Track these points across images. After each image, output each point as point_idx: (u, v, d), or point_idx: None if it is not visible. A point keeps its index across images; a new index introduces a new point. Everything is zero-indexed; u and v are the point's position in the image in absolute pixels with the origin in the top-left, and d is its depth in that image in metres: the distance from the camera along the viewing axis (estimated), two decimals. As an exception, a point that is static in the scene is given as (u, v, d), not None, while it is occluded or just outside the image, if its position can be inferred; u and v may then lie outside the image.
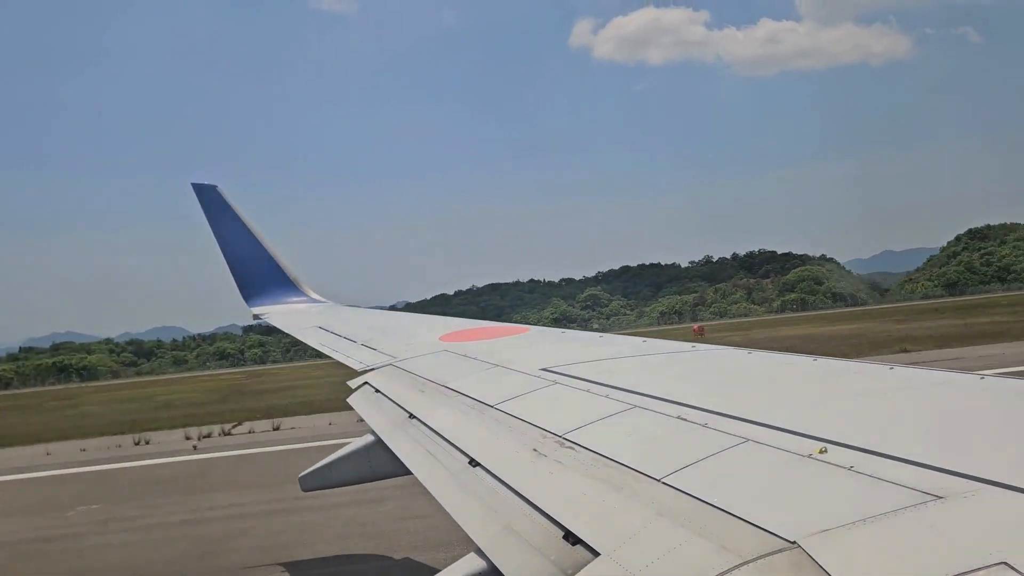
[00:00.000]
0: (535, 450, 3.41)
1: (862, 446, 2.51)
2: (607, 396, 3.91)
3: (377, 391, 6.04)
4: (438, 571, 3.04)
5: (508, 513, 2.99)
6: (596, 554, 2.38)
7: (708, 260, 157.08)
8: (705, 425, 3.11)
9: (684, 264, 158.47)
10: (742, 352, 4.73)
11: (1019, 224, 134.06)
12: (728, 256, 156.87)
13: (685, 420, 3.24)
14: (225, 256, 12.70)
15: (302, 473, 5.95)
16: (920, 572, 1.79)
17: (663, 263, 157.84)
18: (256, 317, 12.61)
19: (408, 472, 4.26)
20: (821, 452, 2.53)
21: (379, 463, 5.30)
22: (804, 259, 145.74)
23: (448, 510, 3.37)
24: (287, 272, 13.18)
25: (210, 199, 12.60)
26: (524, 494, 3.03)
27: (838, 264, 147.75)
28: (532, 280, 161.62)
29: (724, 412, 3.19)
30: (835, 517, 2.06)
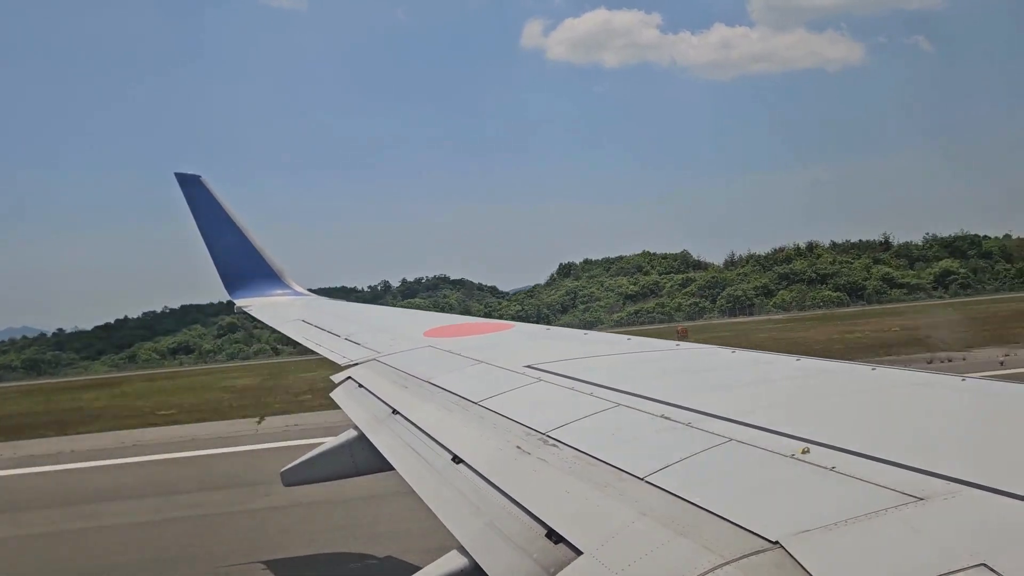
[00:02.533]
0: (518, 447, 3.41)
1: (844, 447, 2.52)
2: (591, 394, 3.91)
3: (360, 386, 6.01)
4: (420, 568, 3.03)
5: (491, 511, 2.98)
6: (579, 553, 2.38)
7: (404, 282, 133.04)
8: (689, 424, 3.12)
9: (364, 287, 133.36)
10: (726, 351, 4.75)
11: (598, 260, 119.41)
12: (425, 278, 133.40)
13: (669, 419, 3.25)
14: (209, 248, 12.58)
15: (284, 468, 5.92)
16: (900, 573, 1.80)
17: (359, 288, 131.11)
18: (240, 310, 12.53)
19: (391, 468, 4.24)
20: (804, 452, 2.54)
21: (362, 459, 5.28)
22: (462, 285, 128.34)
23: (431, 507, 3.36)
24: (271, 264, 13.09)
25: (194, 190, 12.48)
26: (507, 492, 3.03)
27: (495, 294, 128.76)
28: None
29: (708, 411, 3.20)
30: (817, 517, 2.07)
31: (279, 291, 12.91)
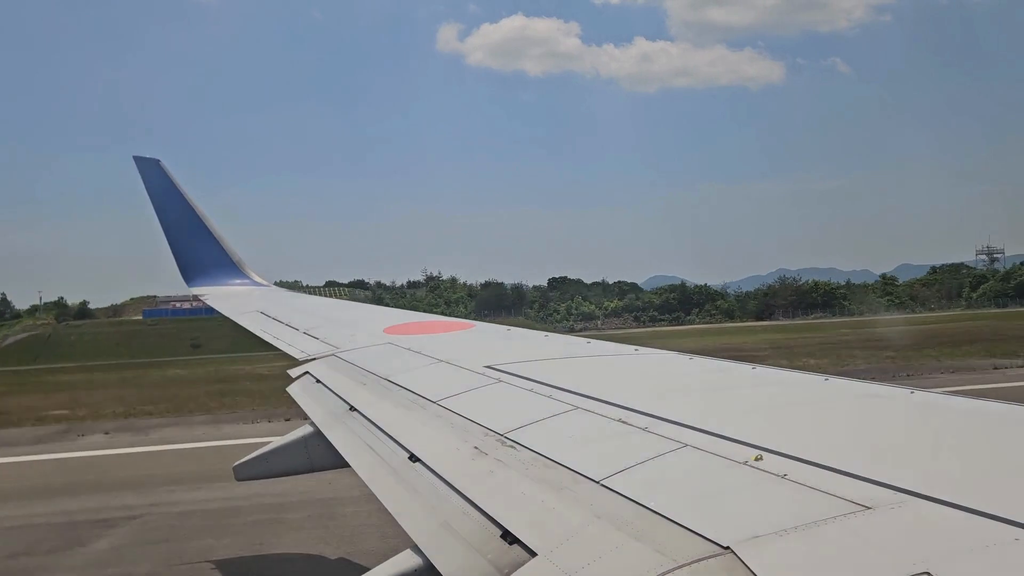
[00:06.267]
0: (476, 448, 3.40)
1: (796, 455, 2.56)
2: (550, 396, 3.92)
3: (318, 381, 5.95)
4: (371, 568, 3.00)
5: (446, 510, 2.97)
6: (533, 554, 2.38)
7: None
8: (645, 429, 3.14)
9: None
10: (684, 357, 4.80)
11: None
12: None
13: (626, 423, 3.27)
14: (166, 233, 12.32)
15: (237, 462, 5.82)
16: None
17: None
18: (196, 298, 12.31)
19: (346, 465, 4.20)
20: (757, 459, 2.58)
21: (317, 455, 5.22)
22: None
23: (386, 505, 3.34)
24: (230, 253, 12.86)
25: (152, 174, 12.20)
26: (463, 492, 3.02)
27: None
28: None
29: (664, 416, 3.23)
30: (768, 524, 2.10)
31: (238, 281, 12.70)
